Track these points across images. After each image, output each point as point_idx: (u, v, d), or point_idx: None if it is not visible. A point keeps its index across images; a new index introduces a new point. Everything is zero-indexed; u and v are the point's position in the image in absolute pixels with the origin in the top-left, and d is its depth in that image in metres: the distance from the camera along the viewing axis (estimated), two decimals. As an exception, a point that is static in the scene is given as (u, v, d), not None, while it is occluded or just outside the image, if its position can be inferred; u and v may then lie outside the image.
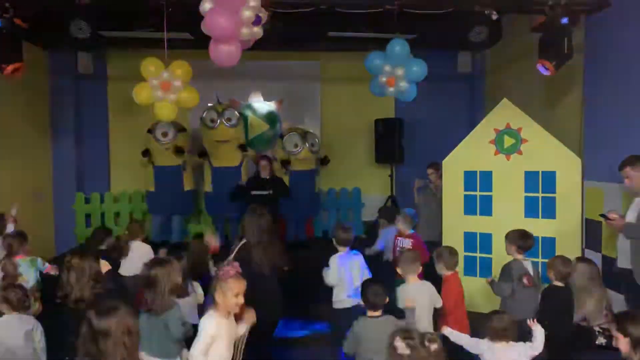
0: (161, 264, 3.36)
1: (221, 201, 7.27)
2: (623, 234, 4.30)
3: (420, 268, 4.28)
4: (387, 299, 3.59)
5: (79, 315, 2.93)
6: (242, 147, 7.56)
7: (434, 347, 2.58)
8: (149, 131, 7.29)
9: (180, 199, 7.54)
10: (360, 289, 3.72)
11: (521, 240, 4.35)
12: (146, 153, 7.42)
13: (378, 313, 3.52)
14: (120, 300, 2.40)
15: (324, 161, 7.91)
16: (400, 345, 2.58)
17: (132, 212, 8.09)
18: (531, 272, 4.31)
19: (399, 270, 4.27)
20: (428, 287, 4.20)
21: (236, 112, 7.41)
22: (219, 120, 7.23)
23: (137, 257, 5.16)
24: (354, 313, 3.99)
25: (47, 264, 4.80)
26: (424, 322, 3.98)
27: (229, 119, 7.26)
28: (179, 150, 7.33)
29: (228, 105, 7.50)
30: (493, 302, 4.43)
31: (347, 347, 3.58)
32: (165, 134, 7.22)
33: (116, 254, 5.16)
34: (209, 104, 7.46)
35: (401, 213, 5.53)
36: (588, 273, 4.66)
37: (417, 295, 4.08)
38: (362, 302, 3.63)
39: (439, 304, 4.19)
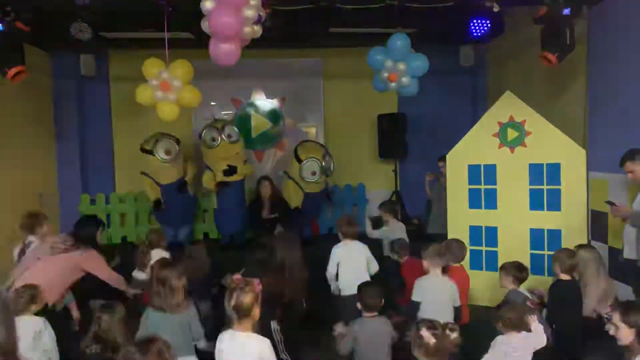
0: (171, 265, 3.50)
1: (228, 217, 7.28)
2: (629, 222, 4.29)
3: (444, 263, 4.27)
4: (383, 301, 3.69)
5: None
6: (230, 167, 7.26)
7: (454, 335, 2.83)
8: (146, 151, 6.94)
9: (186, 210, 7.49)
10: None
11: (517, 272, 4.24)
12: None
13: (374, 314, 3.65)
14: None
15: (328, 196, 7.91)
16: (426, 335, 2.80)
17: (137, 213, 8.12)
18: (530, 298, 4.22)
19: (424, 263, 4.25)
20: (450, 284, 4.18)
21: (235, 128, 7.27)
22: (219, 138, 7.08)
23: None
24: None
25: (73, 300, 4.68)
26: (442, 318, 3.94)
27: (229, 136, 7.11)
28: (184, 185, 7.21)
29: (226, 122, 7.38)
30: (498, 296, 4.42)
31: (342, 348, 3.64)
32: (168, 152, 6.88)
33: (138, 266, 5.10)
34: (207, 121, 7.42)
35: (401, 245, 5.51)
36: (591, 260, 4.65)
37: (434, 289, 4.07)
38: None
39: (457, 302, 4.16)
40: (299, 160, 7.24)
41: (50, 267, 4.13)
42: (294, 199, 7.38)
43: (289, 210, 7.24)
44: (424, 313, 3.99)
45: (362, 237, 5.18)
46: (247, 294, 2.90)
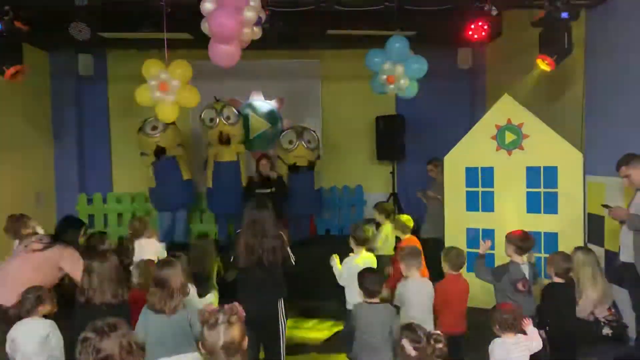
0: (170, 265, 3.44)
1: (222, 196, 7.30)
2: (627, 225, 4.31)
3: (422, 264, 4.29)
4: (384, 287, 3.72)
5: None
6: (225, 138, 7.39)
7: (439, 346, 2.66)
8: (140, 129, 7.24)
9: (180, 189, 7.47)
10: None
11: (520, 241, 4.26)
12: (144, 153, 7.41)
13: (376, 300, 3.65)
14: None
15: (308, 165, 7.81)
16: (407, 347, 2.66)
17: (134, 213, 8.11)
18: (527, 277, 4.23)
19: (401, 267, 4.29)
20: (429, 285, 4.21)
21: (234, 110, 7.40)
22: (217, 119, 7.23)
23: (146, 254, 5.13)
24: None
25: None
26: (420, 319, 3.96)
27: (228, 117, 7.27)
28: (161, 151, 7.24)
29: (226, 104, 7.48)
30: (495, 298, 4.44)
31: (344, 332, 3.63)
32: (154, 127, 7.16)
33: (122, 257, 5.07)
34: (208, 103, 7.45)
35: None
36: (588, 262, 4.66)
37: (417, 292, 4.10)
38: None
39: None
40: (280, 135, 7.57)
41: (24, 265, 4.00)
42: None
43: (283, 185, 7.22)
44: (405, 316, 4.01)
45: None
46: (234, 326, 2.34)
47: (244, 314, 2.42)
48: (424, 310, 4.09)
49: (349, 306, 4.44)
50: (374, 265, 4.65)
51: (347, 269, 4.53)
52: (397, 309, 4.06)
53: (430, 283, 4.26)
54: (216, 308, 2.41)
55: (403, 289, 4.15)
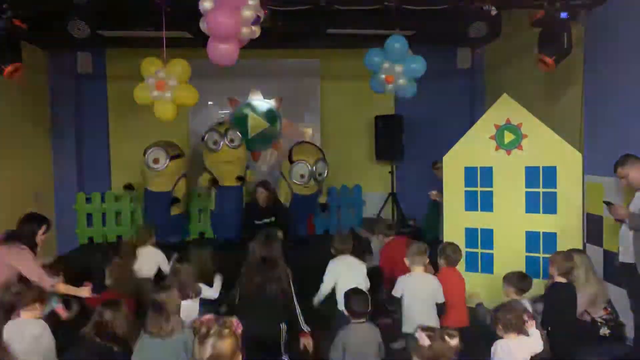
0: (165, 290, 3.47)
1: (226, 220, 7.28)
2: (628, 224, 4.31)
3: (427, 261, 4.30)
4: (370, 308, 3.70)
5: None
6: (240, 179, 7.35)
7: (453, 342, 2.69)
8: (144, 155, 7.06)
9: (169, 225, 7.36)
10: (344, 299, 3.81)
11: (519, 282, 4.19)
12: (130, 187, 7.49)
13: (362, 320, 3.66)
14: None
15: (323, 207, 7.88)
16: (421, 336, 2.68)
17: (133, 212, 8.10)
18: (530, 311, 4.19)
19: (406, 261, 4.32)
20: (431, 281, 4.22)
21: (238, 133, 7.29)
22: (221, 142, 7.11)
23: (148, 262, 5.15)
24: None
25: (60, 304, 4.47)
26: (423, 316, 4.01)
27: (232, 140, 7.14)
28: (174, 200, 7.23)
29: (230, 127, 7.38)
30: (495, 298, 4.43)
31: (333, 355, 3.64)
32: (156, 161, 6.97)
33: (123, 261, 5.07)
34: (210, 126, 7.43)
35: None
36: (581, 264, 4.68)
37: (415, 287, 4.14)
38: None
39: (440, 299, 4.21)
40: (291, 161, 7.28)
41: None
42: (286, 199, 7.42)
43: (285, 214, 7.13)
44: (408, 310, 4.14)
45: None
46: (225, 339, 2.20)
47: (240, 329, 2.30)
48: (429, 305, 4.14)
49: (340, 307, 4.41)
50: (363, 268, 4.69)
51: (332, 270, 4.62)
52: (397, 300, 4.12)
53: (435, 279, 4.28)
54: (211, 317, 2.30)
55: (404, 282, 4.19)
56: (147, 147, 7.08)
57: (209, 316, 2.34)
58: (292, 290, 4.09)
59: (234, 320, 2.30)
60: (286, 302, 4.04)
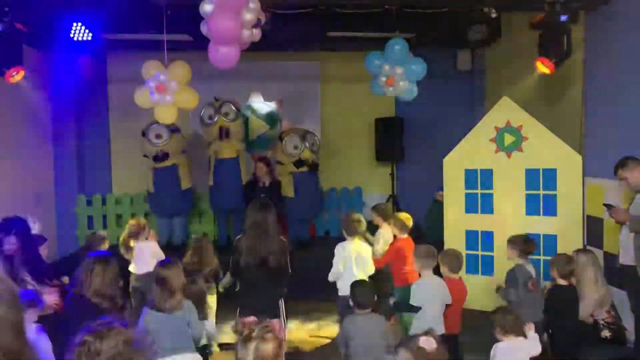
0: (170, 265, 3.52)
1: (222, 192, 7.30)
2: (629, 227, 4.31)
3: (435, 264, 4.26)
4: (376, 298, 3.69)
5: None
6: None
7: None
8: (143, 134, 7.24)
9: (178, 198, 7.50)
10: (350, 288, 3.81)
11: (524, 244, 4.29)
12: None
13: (367, 310, 3.64)
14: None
15: (312, 167, 7.73)
16: (429, 342, 2.50)
17: (134, 214, 8.10)
18: (534, 276, 4.26)
19: (415, 266, 4.27)
20: (441, 284, 4.19)
21: (233, 107, 7.36)
22: (216, 116, 7.23)
23: (146, 256, 5.14)
24: None
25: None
26: (435, 320, 3.96)
27: (226, 114, 7.26)
28: (163, 156, 7.24)
29: (224, 101, 7.44)
30: (494, 300, 4.44)
31: (341, 343, 3.64)
32: (159, 136, 7.17)
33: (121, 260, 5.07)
34: (207, 102, 7.45)
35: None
36: (589, 264, 4.66)
37: (431, 292, 4.07)
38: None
39: (448, 300, 4.17)
40: (281, 139, 7.48)
41: None
42: (287, 189, 7.40)
43: (280, 196, 7.14)
44: (422, 315, 4.02)
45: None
46: (268, 342, 2.17)
47: (284, 334, 2.26)
48: (440, 309, 4.06)
49: (341, 292, 4.51)
50: (369, 253, 4.70)
51: (341, 254, 4.58)
52: (415, 308, 4.06)
53: (442, 281, 4.20)
54: (253, 320, 2.28)
55: (417, 289, 4.11)
56: (145, 128, 7.23)
57: (251, 318, 2.33)
58: (288, 262, 4.10)
59: (276, 322, 2.32)
60: (282, 272, 4.05)
